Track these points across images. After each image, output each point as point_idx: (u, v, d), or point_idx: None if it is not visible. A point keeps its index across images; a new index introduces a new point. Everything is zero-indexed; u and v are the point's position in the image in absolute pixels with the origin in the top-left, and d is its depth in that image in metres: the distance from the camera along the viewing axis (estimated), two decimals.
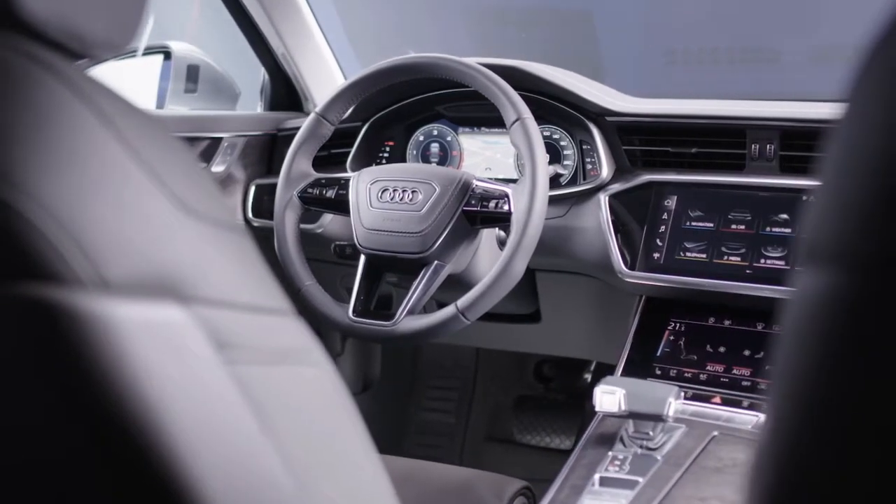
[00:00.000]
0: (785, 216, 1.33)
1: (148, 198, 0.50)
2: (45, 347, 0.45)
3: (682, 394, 1.24)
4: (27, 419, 0.46)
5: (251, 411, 0.51)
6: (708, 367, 1.33)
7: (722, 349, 1.34)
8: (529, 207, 1.27)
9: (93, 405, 0.45)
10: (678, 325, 1.39)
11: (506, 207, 1.31)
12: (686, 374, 1.33)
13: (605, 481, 1.09)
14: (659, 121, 1.46)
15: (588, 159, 1.53)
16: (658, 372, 1.35)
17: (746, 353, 1.32)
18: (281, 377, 0.56)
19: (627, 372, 1.36)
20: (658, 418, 1.14)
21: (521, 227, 1.27)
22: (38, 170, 0.46)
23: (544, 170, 1.29)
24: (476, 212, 1.33)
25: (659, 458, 1.13)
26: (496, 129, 1.62)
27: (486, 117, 1.60)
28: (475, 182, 1.35)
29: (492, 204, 1.32)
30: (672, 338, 1.38)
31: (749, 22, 1.77)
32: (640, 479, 1.08)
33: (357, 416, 0.61)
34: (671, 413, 1.13)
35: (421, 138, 1.69)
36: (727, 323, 1.37)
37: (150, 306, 0.47)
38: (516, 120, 1.31)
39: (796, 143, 1.37)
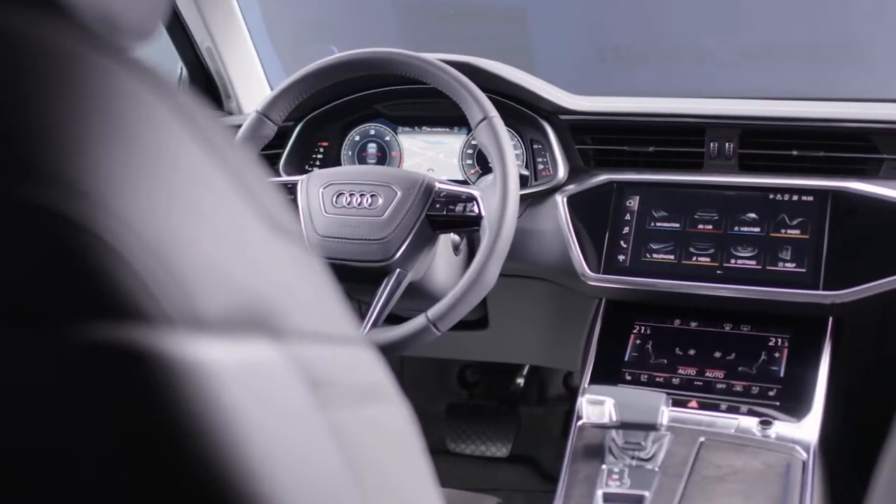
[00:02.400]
0: (753, 215, 1.31)
1: (240, 214, 0.42)
2: (127, 401, 0.36)
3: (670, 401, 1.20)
4: (103, 481, 0.37)
5: (341, 459, 0.43)
6: (680, 371, 1.30)
7: (692, 352, 1.31)
8: (502, 210, 1.21)
9: (182, 465, 0.37)
10: (643, 328, 1.36)
11: (475, 211, 1.24)
12: (658, 379, 1.30)
13: (609, 497, 1.04)
14: (615, 119, 1.43)
15: (539, 159, 1.47)
16: (628, 377, 1.31)
17: (717, 354, 1.30)
18: (366, 418, 0.49)
19: (596, 379, 1.32)
20: (651, 427, 1.10)
21: (494, 231, 1.21)
22: (118, 182, 0.36)
23: (515, 170, 1.23)
24: (441, 216, 1.26)
25: (656, 469, 1.09)
26: (439, 129, 1.55)
27: (428, 116, 1.53)
28: (437, 184, 1.27)
29: (458, 207, 1.25)
30: (638, 342, 1.35)
31: (679, 20, 1.76)
32: (646, 494, 1.04)
33: (425, 452, 0.54)
34: (664, 421, 1.09)
35: (357, 138, 1.60)
36: (694, 325, 1.34)
37: (244, 344, 0.39)
38: (483, 119, 1.25)
39: (755, 142, 1.36)
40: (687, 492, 1.05)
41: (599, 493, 1.05)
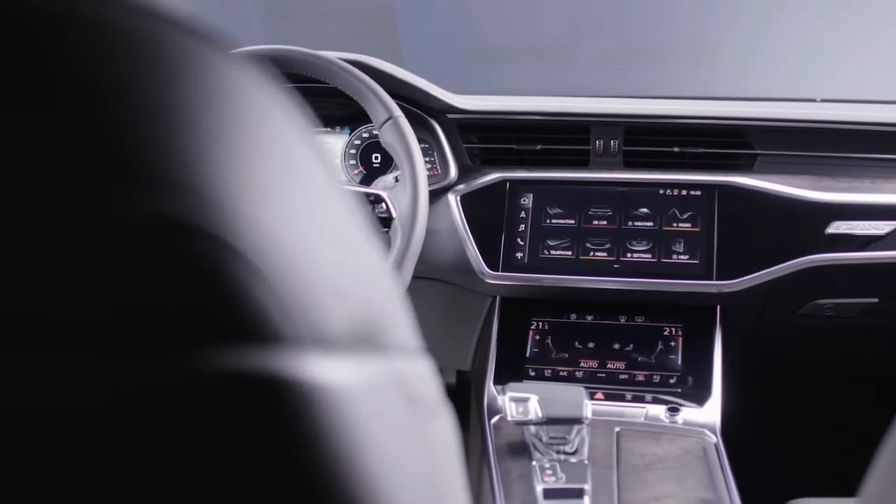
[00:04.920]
0: (645, 210, 1.36)
1: (349, 222, 0.39)
2: (265, 432, 0.33)
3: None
4: None
5: (432, 475, 0.42)
6: (582, 364, 1.33)
7: (591, 345, 1.34)
8: (413, 210, 1.19)
9: (317, 491, 0.34)
10: (541, 324, 1.37)
11: (385, 211, 1.22)
12: (562, 374, 1.32)
13: (550, 493, 1.04)
14: (503, 118, 1.44)
15: (427, 159, 1.46)
16: (532, 373, 1.33)
17: (616, 346, 1.34)
18: (437, 432, 0.47)
19: (500, 376, 1.32)
20: (577, 421, 1.11)
21: (407, 232, 1.19)
22: (249, 188, 0.32)
23: (423, 169, 1.22)
24: None
25: (585, 461, 1.10)
26: (320, 129, 1.51)
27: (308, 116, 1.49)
28: None
29: (366, 209, 1.22)
30: (538, 337, 1.36)
31: (545, 21, 1.80)
32: (585, 487, 1.05)
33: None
34: (588, 414, 1.11)
35: None
36: (590, 318, 1.37)
37: (362, 362, 0.37)
38: (388, 119, 1.23)
39: (639, 139, 1.41)
40: (622, 482, 1.07)
41: (539, 489, 1.05)
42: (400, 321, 0.41)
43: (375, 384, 0.36)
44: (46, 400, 0.30)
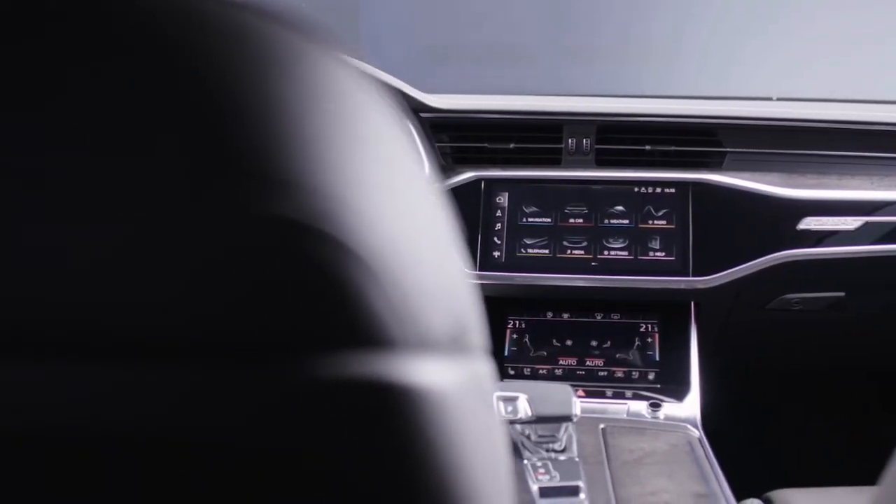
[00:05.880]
0: (620, 208, 1.37)
1: (443, 220, 0.39)
2: (370, 435, 0.32)
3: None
4: None
5: (500, 470, 0.43)
6: (561, 362, 1.33)
7: (569, 342, 1.35)
8: None
9: (421, 492, 0.34)
10: (517, 322, 1.38)
11: None
12: (541, 371, 1.33)
13: (546, 492, 1.04)
14: (477, 117, 1.44)
15: None
16: (511, 372, 1.33)
17: (594, 343, 1.35)
18: (500, 427, 0.48)
19: None
20: (567, 419, 1.11)
21: None
22: (357, 189, 0.32)
23: None
24: None
25: (577, 459, 1.10)
26: None
27: None
28: None
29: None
30: (515, 336, 1.36)
31: (507, 20, 1.80)
32: (580, 484, 1.05)
33: None
34: (577, 412, 1.11)
35: None
36: (566, 316, 1.38)
37: (454, 363, 0.37)
38: None
39: (611, 137, 1.42)
40: (615, 478, 1.07)
41: (535, 487, 1.05)
42: (477, 321, 0.41)
43: (467, 384, 0.36)
44: (158, 411, 0.29)
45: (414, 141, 0.37)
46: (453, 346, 0.35)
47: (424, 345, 0.32)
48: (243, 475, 0.31)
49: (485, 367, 0.41)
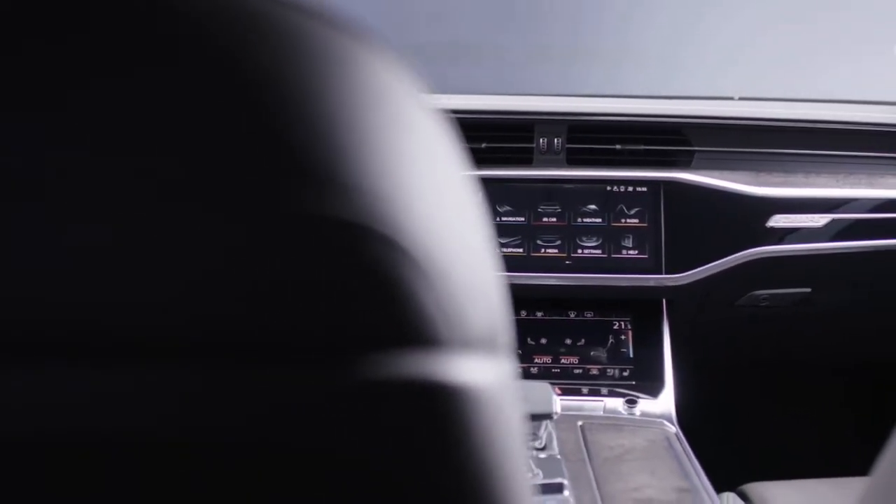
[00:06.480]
0: (593, 206, 1.38)
1: (479, 219, 0.39)
2: (420, 435, 0.33)
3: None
4: None
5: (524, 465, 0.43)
6: (536, 360, 1.34)
7: (543, 341, 1.36)
8: None
9: (466, 490, 0.35)
10: None
11: None
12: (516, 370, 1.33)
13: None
14: (448, 116, 1.43)
15: None
16: None
17: (568, 341, 1.36)
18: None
19: None
20: (548, 417, 1.12)
21: None
22: (408, 188, 0.32)
23: None
24: None
25: (558, 456, 1.11)
26: None
27: None
28: None
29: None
30: None
31: (470, 19, 1.81)
32: (564, 481, 1.06)
33: None
34: (558, 409, 1.12)
35: None
36: (540, 315, 1.39)
37: (490, 362, 0.37)
38: None
39: (582, 137, 1.43)
40: (598, 475, 1.08)
41: None
42: (506, 320, 0.41)
43: (501, 382, 0.36)
44: (212, 417, 0.28)
45: (454, 140, 0.37)
46: (490, 344, 0.35)
47: (467, 343, 0.32)
48: (284, 476, 0.30)
49: (512, 364, 0.41)
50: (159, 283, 0.27)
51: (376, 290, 0.29)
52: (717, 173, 1.39)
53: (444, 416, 0.31)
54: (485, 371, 0.34)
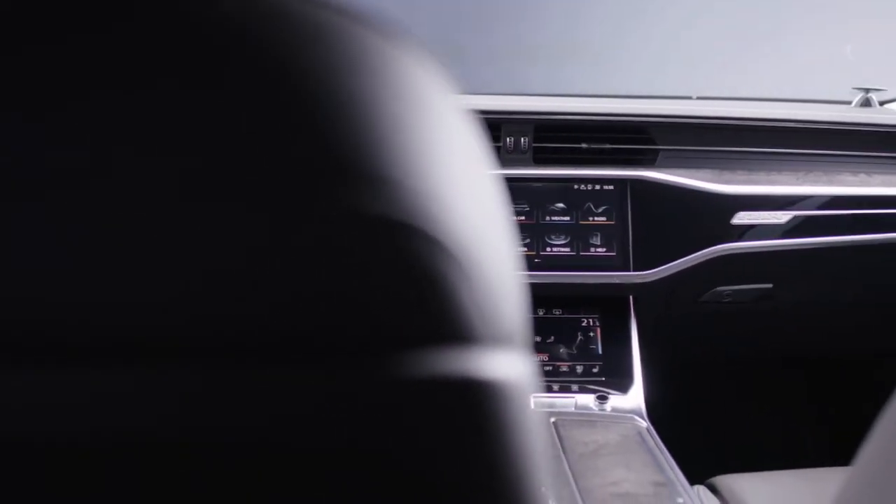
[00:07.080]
0: (561, 205, 1.39)
1: (505, 216, 0.39)
2: (459, 431, 0.33)
3: None
4: None
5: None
6: None
7: None
8: None
9: (500, 482, 0.35)
10: None
11: None
12: None
13: None
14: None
15: None
16: None
17: (538, 339, 1.37)
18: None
19: None
20: None
21: None
22: (443, 184, 0.32)
23: None
24: None
25: None
26: None
27: None
28: None
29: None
30: None
31: (437, 19, 1.81)
32: None
33: None
34: (532, 405, 1.13)
35: None
36: None
37: (518, 357, 0.38)
38: None
39: (548, 136, 1.44)
40: (575, 470, 1.09)
41: None
42: (525, 316, 0.42)
43: (526, 377, 0.37)
44: (213, 417, 0.28)
45: (481, 137, 0.38)
46: (517, 339, 0.36)
47: (499, 339, 0.33)
48: (328, 475, 0.30)
49: (529, 359, 0.41)
50: (160, 283, 0.27)
51: (418, 287, 0.29)
52: (681, 171, 1.41)
53: (480, 411, 0.32)
54: (513, 366, 0.34)
